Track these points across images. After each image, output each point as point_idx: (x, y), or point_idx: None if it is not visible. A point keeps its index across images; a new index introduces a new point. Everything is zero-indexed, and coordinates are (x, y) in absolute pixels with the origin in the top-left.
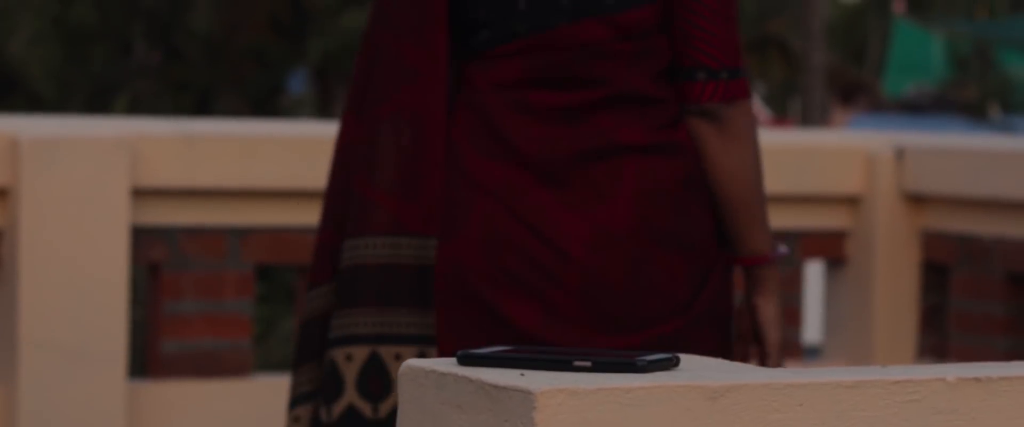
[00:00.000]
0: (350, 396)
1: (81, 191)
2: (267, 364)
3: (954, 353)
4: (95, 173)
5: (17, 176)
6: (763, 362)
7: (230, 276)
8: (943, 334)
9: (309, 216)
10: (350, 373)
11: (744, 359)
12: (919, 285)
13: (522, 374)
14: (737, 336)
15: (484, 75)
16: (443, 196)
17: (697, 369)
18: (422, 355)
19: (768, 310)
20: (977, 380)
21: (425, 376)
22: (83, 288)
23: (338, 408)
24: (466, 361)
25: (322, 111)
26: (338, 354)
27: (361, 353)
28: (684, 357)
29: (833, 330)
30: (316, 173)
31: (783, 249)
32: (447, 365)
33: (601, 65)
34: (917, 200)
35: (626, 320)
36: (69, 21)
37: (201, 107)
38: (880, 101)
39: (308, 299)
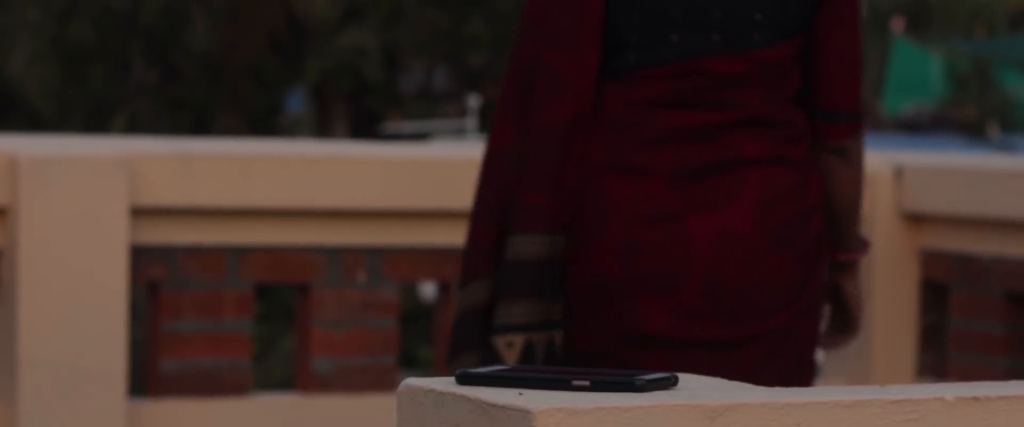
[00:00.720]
0: None
1: (80, 210)
2: (267, 383)
3: (953, 372)
4: (94, 192)
5: (16, 195)
6: (850, 334)
7: (229, 295)
8: (942, 353)
9: (308, 235)
10: (511, 359)
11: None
12: (918, 304)
13: (520, 394)
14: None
15: (624, 94)
16: (579, 203)
17: (696, 388)
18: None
19: (857, 292)
20: (976, 399)
21: (424, 395)
22: (82, 307)
23: None
24: (464, 381)
25: (321, 130)
26: (500, 341)
27: (519, 340)
28: (682, 376)
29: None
30: (315, 192)
31: (867, 243)
32: (445, 384)
33: (737, 93)
34: (916, 219)
35: (744, 313)
36: (67, 40)
37: (199, 126)
38: (879, 120)
39: (466, 292)
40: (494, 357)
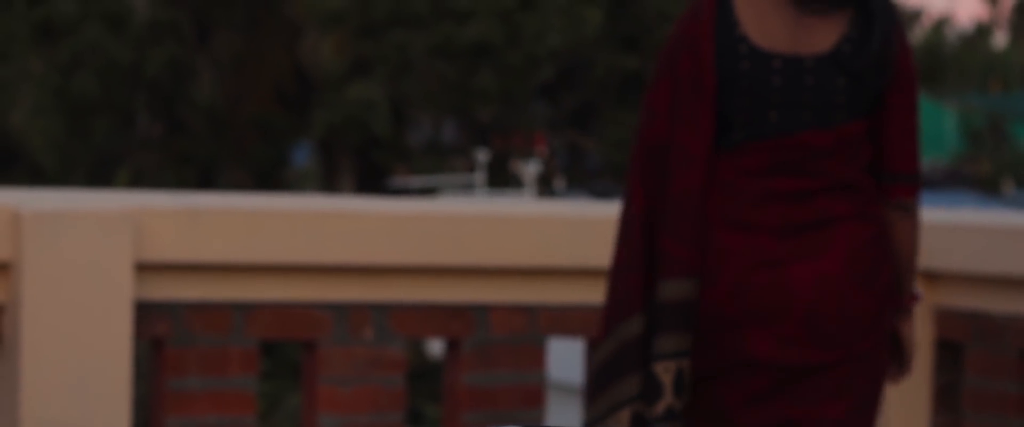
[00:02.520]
0: (668, 398)
1: (84, 265)
2: None
3: None
4: (98, 247)
5: (19, 250)
6: (903, 372)
7: (235, 352)
8: (957, 413)
9: (315, 291)
10: (667, 380)
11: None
12: (932, 363)
13: None
14: None
15: (734, 163)
16: (708, 252)
17: None
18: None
19: (912, 334)
20: None
21: None
22: (86, 364)
23: (660, 407)
24: None
25: (327, 184)
26: (659, 368)
27: (672, 366)
28: None
29: None
30: (321, 247)
31: (920, 293)
32: None
33: (825, 162)
34: (930, 277)
35: (835, 340)
36: (71, 93)
37: (205, 180)
38: None
39: (622, 327)
40: (654, 380)
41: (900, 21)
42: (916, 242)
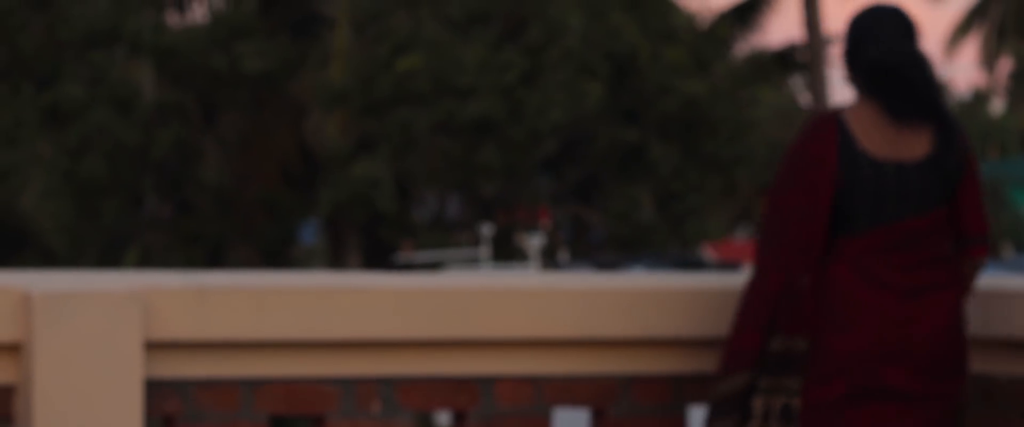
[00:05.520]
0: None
1: (94, 345)
2: None
3: None
4: (108, 327)
5: (30, 331)
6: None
7: None
8: None
9: (322, 366)
10: (759, 410)
11: None
12: None
13: None
14: None
15: (859, 243)
16: (826, 311)
17: None
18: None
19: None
20: None
21: None
22: None
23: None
24: None
25: (334, 261)
26: (756, 402)
27: (761, 401)
28: None
29: None
30: (329, 323)
31: None
32: None
33: (924, 241)
34: None
35: (945, 374)
36: (80, 175)
37: (213, 259)
38: None
39: (734, 378)
40: (748, 411)
41: (962, 126)
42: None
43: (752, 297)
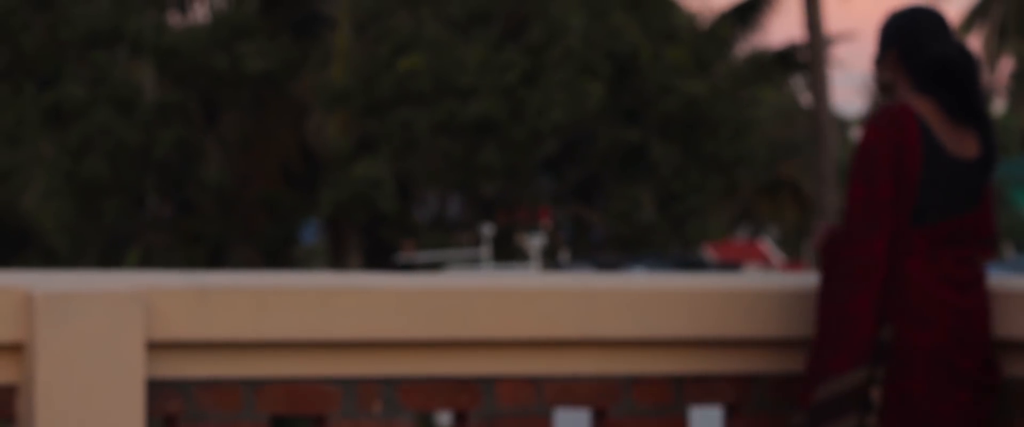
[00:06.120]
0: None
1: (95, 345)
2: None
3: None
4: (109, 327)
5: (32, 331)
6: None
7: None
8: None
9: (324, 366)
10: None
11: None
12: None
13: None
14: None
15: (929, 234)
16: (908, 303)
17: None
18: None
19: None
20: None
21: None
22: None
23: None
24: None
25: (335, 261)
26: (876, 392)
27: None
28: None
29: None
30: (330, 323)
31: None
32: None
33: (973, 235)
34: None
35: (998, 363)
36: (81, 175)
37: (214, 259)
38: None
39: (855, 374)
40: (868, 404)
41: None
42: None
43: (856, 289)
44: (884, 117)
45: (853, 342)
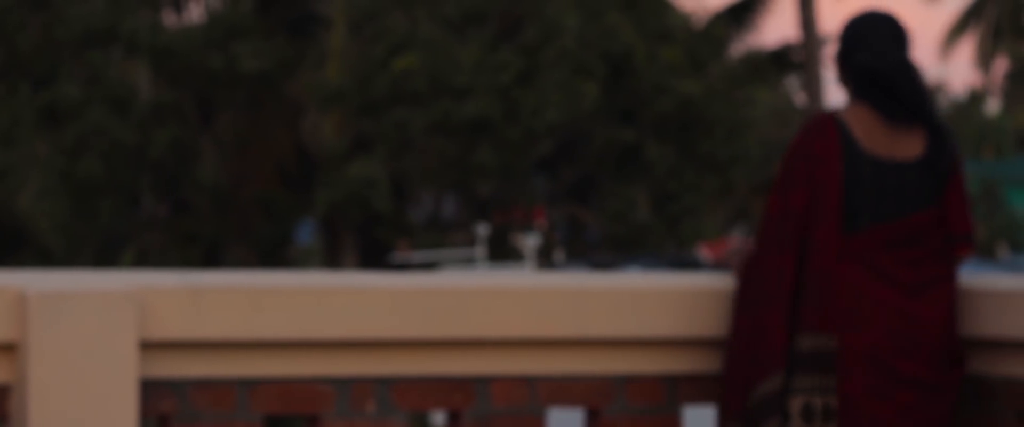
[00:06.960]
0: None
1: (89, 345)
2: None
3: None
4: (103, 326)
5: (25, 331)
6: None
7: None
8: None
9: (318, 366)
10: (796, 409)
11: None
12: None
13: None
14: None
15: (864, 240)
16: (843, 308)
17: None
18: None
19: None
20: None
21: None
22: None
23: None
24: None
25: (330, 261)
26: (793, 403)
27: (800, 400)
28: None
29: None
30: (324, 323)
31: None
32: None
33: (926, 237)
34: None
35: (953, 363)
36: (76, 175)
37: (209, 259)
38: None
39: (770, 382)
40: (786, 412)
41: (951, 128)
42: None
43: (766, 298)
44: (805, 126)
45: (762, 351)
